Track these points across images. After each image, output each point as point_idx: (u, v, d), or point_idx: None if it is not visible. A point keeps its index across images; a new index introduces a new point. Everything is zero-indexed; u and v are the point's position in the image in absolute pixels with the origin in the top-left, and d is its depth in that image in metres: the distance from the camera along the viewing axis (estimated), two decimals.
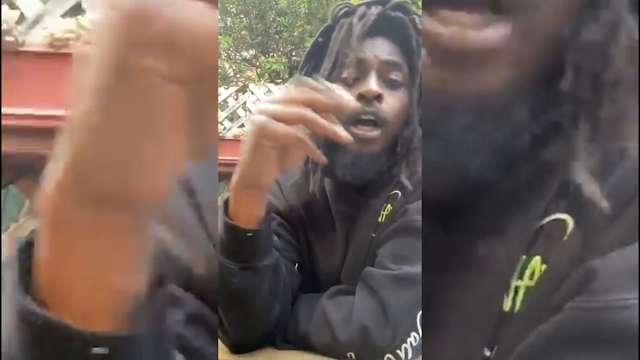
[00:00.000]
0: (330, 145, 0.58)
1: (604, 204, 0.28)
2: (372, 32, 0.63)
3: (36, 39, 1.01)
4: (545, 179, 0.33)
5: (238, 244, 0.54)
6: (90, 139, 0.20)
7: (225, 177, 2.52)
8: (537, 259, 0.32)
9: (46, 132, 0.99)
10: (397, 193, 0.68)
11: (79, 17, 1.03)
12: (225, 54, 3.66)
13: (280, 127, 0.45)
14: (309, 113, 0.45)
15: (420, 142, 0.64)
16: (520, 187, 0.33)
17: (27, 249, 0.23)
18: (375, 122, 0.62)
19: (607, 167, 0.30)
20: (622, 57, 0.28)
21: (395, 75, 0.64)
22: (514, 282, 0.33)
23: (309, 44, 2.66)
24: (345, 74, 0.63)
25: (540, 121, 0.30)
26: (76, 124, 0.21)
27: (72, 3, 1.12)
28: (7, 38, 0.98)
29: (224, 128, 2.49)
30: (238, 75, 3.92)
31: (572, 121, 0.30)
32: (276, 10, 3.56)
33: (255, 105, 2.67)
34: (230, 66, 3.78)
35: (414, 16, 0.64)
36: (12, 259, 0.23)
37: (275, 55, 3.68)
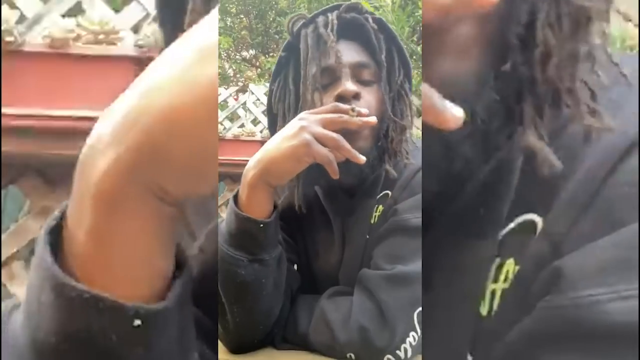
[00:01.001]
0: None
1: (558, 164, 0.29)
2: (341, 36, 0.65)
3: (36, 39, 1.01)
4: (506, 179, 0.33)
5: (249, 235, 0.56)
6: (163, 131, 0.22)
7: (225, 177, 2.50)
8: (510, 261, 0.32)
9: (46, 132, 0.99)
10: (387, 193, 0.68)
11: (79, 17, 1.02)
12: (225, 54, 3.66)
13: (322, 150, 0.54)
14: (341, 140, 0.55)
15: (403, 132, 0.68)
16: (483, 190, 0.33)
17: (57, 229, 0.25)
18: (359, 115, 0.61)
19: (572, 155, 0.31)
20: (550, 33, 0.29)
21: (366, 75, 0.66)
22: (490, 286, 0.33)
23: None
24: (324, 80, 0.65)
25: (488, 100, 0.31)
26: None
27: (71, 3, 1.12)
28: (7, 38, 0.98)
29: (224, 128, 2.49)
30: (238, 75, 3.92)
31: (517, 99, 0.31)
32: (276, 11, 3.56)
33: (255, 105, 2.67)
34: (230, 66, 3.78)
35: (367, 14, 0.67)
36: (42, 238, 0.24)
37: (275, 55, 3.68)
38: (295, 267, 0.73)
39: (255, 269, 0.57)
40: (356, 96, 0.63)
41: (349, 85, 0.63)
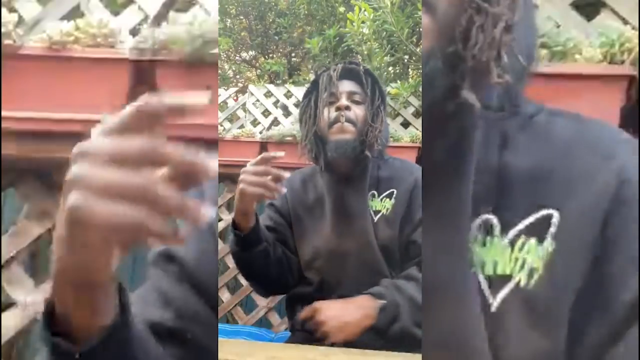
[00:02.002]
0: (319, 138, 1.09)
1: (477, 103, 0.36)
2: (341, 77, 1.10)
3: (35, 42, 1.01)
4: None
5: (241, 242, 0.99)
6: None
7: (225, 178, 2.49)
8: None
9: (45, 135, 1.00)
10: (393, 191, 1.08)
11: (78, 20, 1.03)
12: (224, 55, 3.66)
13: (251, 189, 0.94)
14: (261, 181, 0.94)
15: (376, 133, 1.06)
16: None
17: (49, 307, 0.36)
18: (349, 121, 1.05)
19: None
20: (480, 34, 0.37)
21: (357, 97, 1.09)
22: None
23: (308, 45, 2.66)
24: (331, 100, 1.08)
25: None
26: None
27: (70, 6, 1.12)
28: (6, 41, 0.99)
29: (224, 129, 2.49)
30: (238, 76, 3.92)
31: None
32: (276, 12, 3.56)
33: (254, 106, 2.68)
34: (230, 67, 3.78)
35: (361, 66, 1.11)
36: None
37: (274, 56, 3.68)
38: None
39: (253, 253, 0.99)
40: (347, 107, 1.06)
41: (343, 101, 1.07)
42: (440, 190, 0.38)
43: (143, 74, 1.01)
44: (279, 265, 1.05)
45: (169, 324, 0.48)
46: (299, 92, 2.60)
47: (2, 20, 0.98)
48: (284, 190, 0.93)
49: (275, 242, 1.06)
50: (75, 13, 1.12)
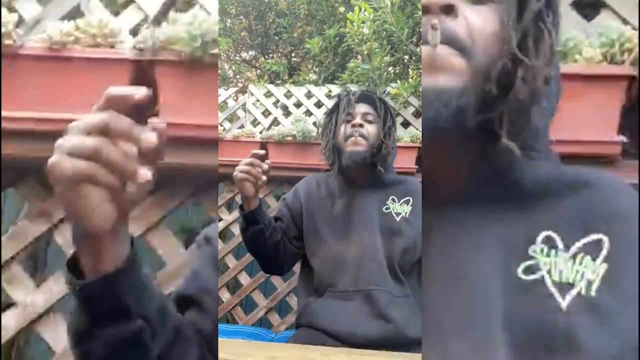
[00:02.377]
0: (336, 149, 1.28)
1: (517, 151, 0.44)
2: (358, 101, 1.30)
3: (35, 42, 1.01)
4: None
5: (243, 218, 1.21)
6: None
7: (224, 178, 2.48)
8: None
9: (45, 135, 0.99)
10: (409, 199, 1.28)
11: (78, 20, 1.02)
12: (224, 55, 3.66)
13: (238, 175, 1.15)
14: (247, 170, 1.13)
15: (392, 150, 1.29)
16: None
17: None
18: (362, 136, 1.25)
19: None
20: (522, 85, 0.45)
21: (370, 118, 1.29)
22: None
23: (308, 45, 2.66)
24: (348, 118, 1.29)
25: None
26: None
27: (70, 6, 1.12)
28: (6, 41, 0.99)
29: (224, 129, 2.48)
30: (238, 77, 3.92)
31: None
32: (276, 12, 3.55)
33: (254, 106, 2.67)
34: (230, 67, 3.77)
35: (376, 94, 1.37)
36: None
37: (274, 56, 3.68)
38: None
39: (253, 231, 1.21)
40: (361, 125, 1.26)
41: (357, 120, 1.27)
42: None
43: (143, 74, 1.01)
44: (274, 248, 1.25)
45: (191, 293, 0.65)
46: (299, 92, 2.60)
47: (2, 20, 0.98)
48: (264, 177, 1.16)
49: (277, 228, 1.26)
50: (75, 13, 1.12)
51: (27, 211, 1.10)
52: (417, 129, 2.29)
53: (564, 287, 0.45)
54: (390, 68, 2.56)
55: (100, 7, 1.14)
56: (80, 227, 0.42)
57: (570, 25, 1.04)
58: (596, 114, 0.94)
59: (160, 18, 1.12)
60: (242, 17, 3.71)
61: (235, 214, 2.31)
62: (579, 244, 0.47)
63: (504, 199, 0.49)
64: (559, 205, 0.49)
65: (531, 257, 0.46)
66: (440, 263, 0.48)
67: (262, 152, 1.16)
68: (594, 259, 0.46)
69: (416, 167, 2.04)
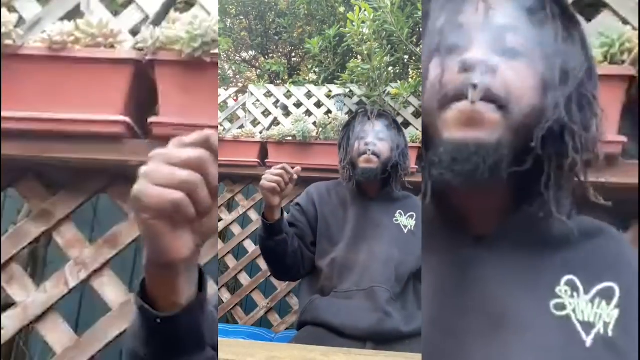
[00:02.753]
0: (351, 164, 1.34)
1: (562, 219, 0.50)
2: (376, 118, 1.37)
3: (35, 42, 1.01)
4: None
5: (266, 229, 1.26)
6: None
7: (225, 178, 2.49)
8: None
9: (45, 135, 0.99)
10: (413, 214, 1.36)
11: (78, 20, 1.02)
12: (224, 55, 3.65)
13: (264, 184, 1.20)
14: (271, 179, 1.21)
15: (406, 168, 1.38)
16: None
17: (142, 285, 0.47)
18: (375, 154, 1.31)
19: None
20: (575, 155, 0.48)
21: (381, 136, 1.35)
22: None
23: (308, 45, 2.66)
24: (362, 135, 1.35)
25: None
26: None
27: (70, 6, 1.12)
28: (6, 41, 0.99)
29: (224, 129, 2.48)
30: (238, 77, 3.92)
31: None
32: (276, 12, 3.55)
33: (254, 106, 2.67)
34: (230, 67, 3.77)
35: (392, 114, 1.43)
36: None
37: (274, 56, 3.67)
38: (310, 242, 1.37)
39: (276, 241, 1.25)
40: (375, 144, 1.32)
41: (371, 139, 1.33)
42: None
43: (143, 74, 1.01)
44: (294, 256, 1.29)
45: None
46: (299, 92, 2.60)
47: (2, 20, 0.98)
48: (291, 185, 1.21)
49: (294, 236, 1.30)
50: (75, 13, 1.12)
51: (27, 211, 1.10)
52: (417, 129, 2.29)
53: (586, 325, 0.49)
54: (390, 68, 2.55)
55: (100, 7, 1.14)
56: (159, 257, 0.42)
57: None
58: None
59: (160, 18, 1.11)
60: (242, 17, 3.71)
61: (235, 214, 2.32)
62: (596, 289, 0.51)
63: (530, 243, 0.52)
64: (577, 250, 0.53)
65: (558, 296, 0.51)
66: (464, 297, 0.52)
67: (294, 170, 1.22)
68: (608, 304, 0.50)
69: (416, 167, 2.04)
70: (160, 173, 0.40)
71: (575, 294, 0.51)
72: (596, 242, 0.54)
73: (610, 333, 0.49)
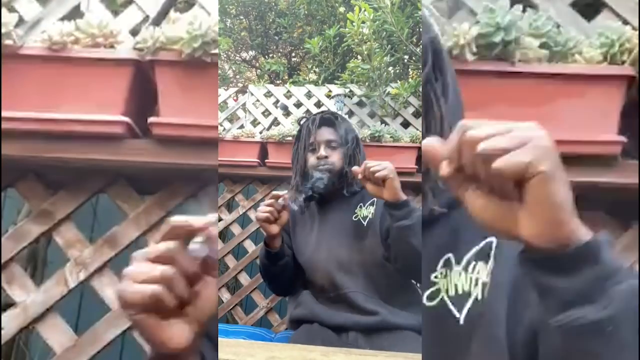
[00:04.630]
0: (306, 174, 1.37)
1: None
2: (320, 125, 1.38)
3: (35, 43, 1.01)
4: None
5: (270, 257, 1.32)
6: None
7: (225, 178, 2.48)
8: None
9: (45, 135, 0.99)
10: (374, 200, 1.35)
11: (78, 20, 1.02)
12: (224, 55, 3.65)
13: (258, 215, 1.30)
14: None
15: (361, 160, 1.36)
16: None
17: None
18: (327, 168, 1.35)
19: None
20: None
21: (334, 144, 1.37)
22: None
23: (308, 45, 2.65)
24: (311, 147, 1.37)
25: None
26: None
27: (70, 6, 1.12)
28: (6, 41, 0.98)
29: (223, 129, 2.48)
30: (237, 77, 3.92)
31: None
32: (276, 12, 3.55)
33: (254, 106, 2.67)
34: (230, 67, 3.77)
35: (337, 115, 1.42)
36: None
37: (274, 56, 3.67)
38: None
39: (279, 266, 1.32)
40: (326, 157, 1.35)
41: (322, 152, 1.36)
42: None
43: (143, 74, 1.01)
44: (291, 272, 1.36)
45: None
46: (299, 92, 2.59)
47: (2, 20, 0.98)
48: (286, 212, 1.26)
49: (291, 255, 1.37)
50: (75, 13, 1.12)
51: (27, 211, 1.10)
52: (417, 129, 2.29)
53: (460, 299, 0.48)
54: (390, 68, 2.55)
55: (100, 7, 1.14)
56: (158, 349, 0.44)
57: (571, 25, 1.04)
58: (596, 114, 0.94)
59: (160, 18, 1.11)
60: (242, 17, 3.71)
61: (235, 214, 2.32)
62: (470, 253, 0.50)
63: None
64: (448, 224, 0.54)
65: (433, 284, 0.50)
66: None
67: (281, 193, 1.26)
68: (486, 262, 0.49)
69: (416, 167, 2.04)
70: (138, 271, 0.43)
71: (447, 270, 0.50)
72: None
73: (486, 294, 0.47)
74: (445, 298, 0.48)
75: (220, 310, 2.14)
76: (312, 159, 1.37)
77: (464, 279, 0.48)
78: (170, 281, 0.42)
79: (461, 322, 0.47)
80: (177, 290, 0.43)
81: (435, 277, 0.51)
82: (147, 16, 1.13)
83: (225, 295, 2.21)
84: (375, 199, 1.35)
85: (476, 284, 0.48)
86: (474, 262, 0.49)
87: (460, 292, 0.48)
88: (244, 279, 2.22)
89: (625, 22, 1.04)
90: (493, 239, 0.49)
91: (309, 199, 1.35)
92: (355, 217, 1.36)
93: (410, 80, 2.59)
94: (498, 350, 0.44)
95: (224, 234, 2.43)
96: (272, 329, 2.11)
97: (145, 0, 1.14)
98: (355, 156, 1.37)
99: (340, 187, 1.37)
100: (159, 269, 0.43)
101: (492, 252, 0.48)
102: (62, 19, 1.10)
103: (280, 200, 1.25)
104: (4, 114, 0.98)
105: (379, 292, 1.27)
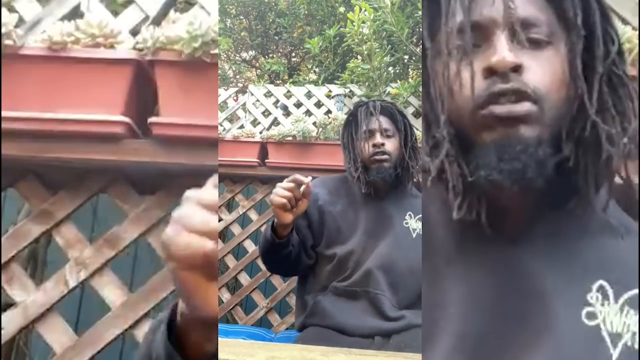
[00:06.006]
0: (363, 166, 1.29)
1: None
2: (380, 112, 1.31)
3: (35, 43, 1.01)
4: None
5: (273, 243, 1.19)
6: None
7: (225, 178, 2.48)
8: None
9: (45, 135, 0.99)
10: (420, 216, 1.31)
11: (78, 20, 1.02)
12: (224, 55, 3.65)
13: (276, 199, 1.13)
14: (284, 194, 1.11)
15: (416, 167, 1.31)
16: None
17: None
18: (385, 154, 1.28)
19: None
20: (610, 149, 0.45)
21: (389, 133, 1.31)
22: None
23: (308, 45, 2.65)
24: (366, 135, 1.29)
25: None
26: None
27: (70, 6, 1.12)
28: (6, 41, 0.98)
29: (224, 129, 2.48)
30: (238, 77, 3.92)
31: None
32: (276, 12, 3.55)
33: (254, 106, 2.67)
34: (230, 67, 3.77)
35: (396, 106, 1.36)
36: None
37: (274, 56, 3.67)
38: (310, 246, 1.32)
39: (285, 251, 1.21)
40: (382, 145, 1.28)
41: (378, 139, 1.28)
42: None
43: (143, 74, 1.01)
44: (295, 261, 1.27)
45: None
46: (299, 92, 2.59)
47: (2, 20, 0.98)
48: (306, 201, 1.12)
49: (296, 243, 1.25)
50: (75, 13, 1.12)
51: (27, 211, 1.10)
52: (417, 129, 2.29)
53: (614, 337, 0.46)
54: (390, 68, 2.55)
55: (100, 7, 1.14)
56: (197, 313, 0.40)
57: None
58: None
59: (160, 18, 1.11)
60: (242, 17, 3.71)
61: (235, 214, 2.32)
62: (627, 295, 0.48)
63: (567, 242, 0.49)
64: (607, 252, 0.50)
65: (590, 304, 0.47)
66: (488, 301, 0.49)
67: (306, 180, 1.10)
68: (636, 313, 0.47)
69: None
70: (195, 218, 0.37)
71: (606, 302, 0.47)
72: (631, 242, 0.50)
73: (636, 345, 0.46)
74: (602, 327, 0.46)
75: (220, 310, 2.14)
76: (368, 146, 1.28)
77: (618, 319, 0.47)
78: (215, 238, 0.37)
79: (614, 358, 0.45)
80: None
81: (591, 297, 0.47)
82: (147, 16, 1.13)
83: (225, 295, 2.21)
84: (420, 215, 1.31)
85: (628, 330, 0.46)
86: (627, 307, 0.47)
87: (614, 330, 0.46)
88: (244, 279, 2.22)
89: (625, 22, 1.04)
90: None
91: (368, 187, 1.29)
92: (405, 224, 1.31)
93: (410, 80, 2.59)
94: None
95: (224, 234, 2.43)
96: (272, 329, 2.11)
97: (145, 0, 1.14)
98: (415, 149, 1.32)
99: (397, 180, 1.31)
100: (217, 221, 0.37)
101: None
102: (62, 19, 1.10)
103: (302, 188, 1.09)
104: (4, 114, 0.98)
105: (405, 306, 1.23)
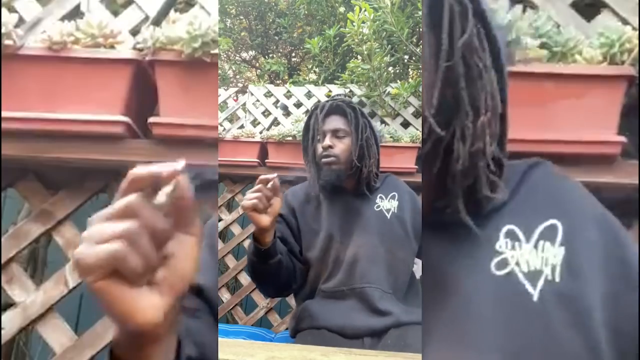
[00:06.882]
0: (315, 167, 1.30)
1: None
2: (328, 113, 1.30)
3: (35, 43, 1.01)
4: None
5: (259, 254, 1.12)
6: None
7: (225, 178, 2.48)
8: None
9: (45, 135, 0.99)
10: (395, 194, 1.33)
11: (78, 20, 1.02)
12: (224, 55, 3.65)
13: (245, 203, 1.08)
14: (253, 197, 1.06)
15: (375, 159, 1.31)
16: None
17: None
18: (332, 156, 1.26)
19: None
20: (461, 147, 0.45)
21: (340, 134, 1.29)
22: None
23: (308, 45, 2.65)
24: (319, 138, 1.29)
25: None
26: None
27: (70, 6, 1.12)
28: (6, 41, 0.98)
29: (224, 129, 2.48)
30: (237, 77, 3.92)
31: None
32: (276, 12, 3.55)
33: (254, 106, 2.67)
34: (230, 67, 3.77)
35: (346, 102, 1.31)
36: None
37: (274, 56, 3.67)
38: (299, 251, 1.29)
39: (269, 265, 1.13)
40: (331, 147, 1.27)
41: (326, 141, 1.27)
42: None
43: (143, 74, 1.01)
44: (287, 272, 1.20)
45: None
46: (299, 92, 2.60)
47: (2, 20, 0.98)
48: (278, 199, 1.08)
49: (285, 252, 1.22)
50: (75, 13, 1.12)
51: (27, 211, 1.10)
52: (417, 129, 2.29)
53: (532, 276, 0.46)
54: (390, 68, 2.56)
55: (100, 7, 1.14)
56: (122, 323, 0.36)
57: (571, 25, 1.04)
58: (596, 114, 0.94)
59: (160, 18, 1.12)
60: (242, 17, 3.71)
61: (235, 214, 2.32)
62: (538, 231, 0.48)
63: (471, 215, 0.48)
64: (513, 198, 0.51)
65: (499, 253, 0.48)
66: (437, 275, 0.50)
67: (271, 176, 1.06)
68: (552, 244, 0.47)
69: (416, 167, 2.04)
70: (97, 231, 0.35)
71: (517, 244, 0.48)
72: (532, 180, 0.52)
73: (557, 278, 0.46)
74: (517, 271, 0.46)
75: (220, 310, 2.14)
76: (319, 149, 1.28)
77: (535, 256, 0.47)
78: (133, 238, 0.35)
79: (534, 298, 0.45)
80: (142, 249, 0.35)
81: (499, 246, 0.48)
82: (147, 16, 1.13)
83: (225, 295, 2.21)
84: (395, 192, 1.32)
85: (547, 264, 0.46)
86: (542, 241, 0.47)
87: (531, 268, 0.46)
88: (244, 279, 2.22)
89: (625, 22, 1.04)
90: (555, 222, 0.48)
91: (325, 188, 1.29)
92: (377, 208, 1.29)
93: (410, 80, 2.59)
94: (591, 341, 0.43)
95: (224, 234, 2.43)
96: (272, 329, 2.11)
97: (145, 0, 1.14)
98: (369, 147, 1.29)
99: (354, 182, 1.30)
100: (120, 226, 0.35)
101: (560, 238, 0.47)
102: (62, 19, 1.10)
103: (269, 185, 1.05)
104: (4, 114, 0.98)
105: (397, 289, 1.22)
